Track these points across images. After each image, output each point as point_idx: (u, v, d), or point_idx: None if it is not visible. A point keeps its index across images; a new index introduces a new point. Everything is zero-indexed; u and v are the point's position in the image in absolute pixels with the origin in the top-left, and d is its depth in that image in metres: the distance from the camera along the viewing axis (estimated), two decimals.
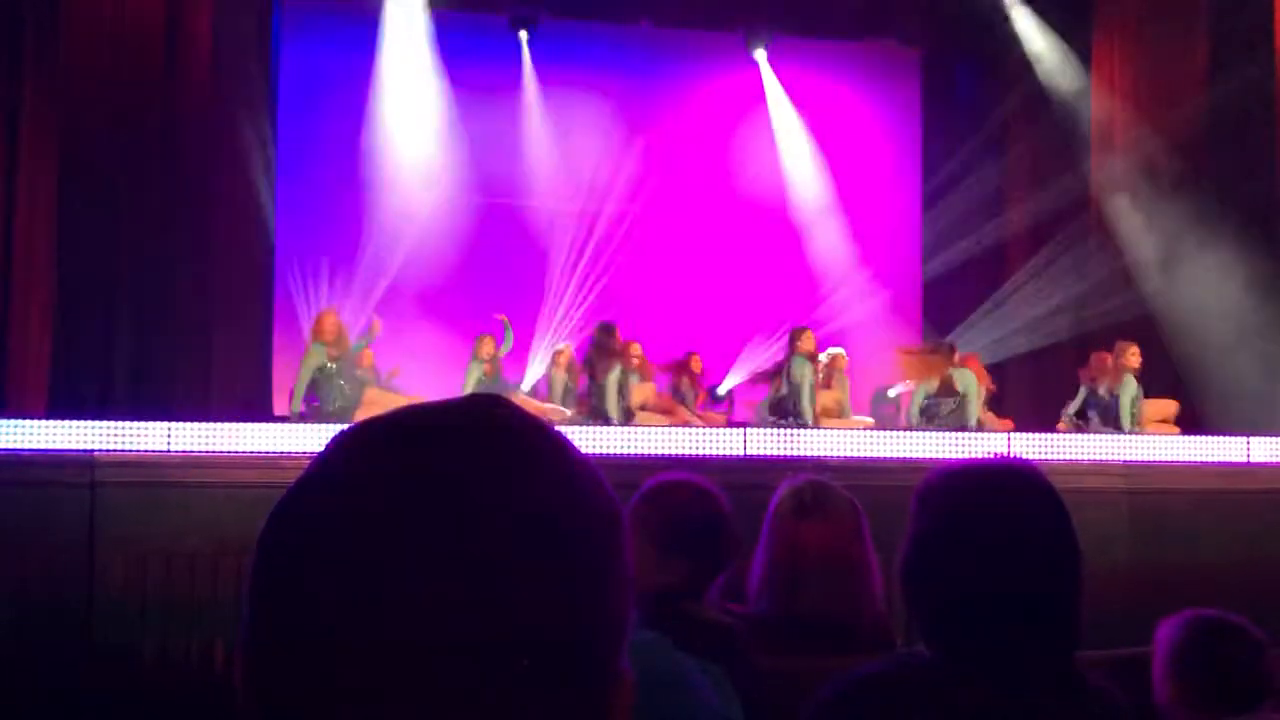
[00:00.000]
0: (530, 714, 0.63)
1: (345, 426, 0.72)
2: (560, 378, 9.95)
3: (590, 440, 7.68)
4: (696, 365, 10.41)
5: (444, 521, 0.63)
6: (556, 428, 0.72)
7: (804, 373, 9.37)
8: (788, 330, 10.16)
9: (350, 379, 8.81)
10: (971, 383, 9.50)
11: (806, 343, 9.52)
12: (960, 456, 1.74)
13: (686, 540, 2.47)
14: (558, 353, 10.16)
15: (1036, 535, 1.57)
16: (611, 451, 7.61)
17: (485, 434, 0.68)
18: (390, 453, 0.67)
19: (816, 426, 9.18)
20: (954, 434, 8.75)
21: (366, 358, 9.50)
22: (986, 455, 1.73)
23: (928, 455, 7.95)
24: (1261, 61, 10.22)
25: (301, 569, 0.64)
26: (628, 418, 9.15)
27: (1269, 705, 2.51)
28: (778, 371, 9.62)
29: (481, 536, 0.63)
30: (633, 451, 7.73)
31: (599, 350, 9.33)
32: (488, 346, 9.67)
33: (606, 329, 9.47)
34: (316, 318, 9.14)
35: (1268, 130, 10.23)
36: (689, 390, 10.29)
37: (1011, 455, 1.80)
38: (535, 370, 12.07)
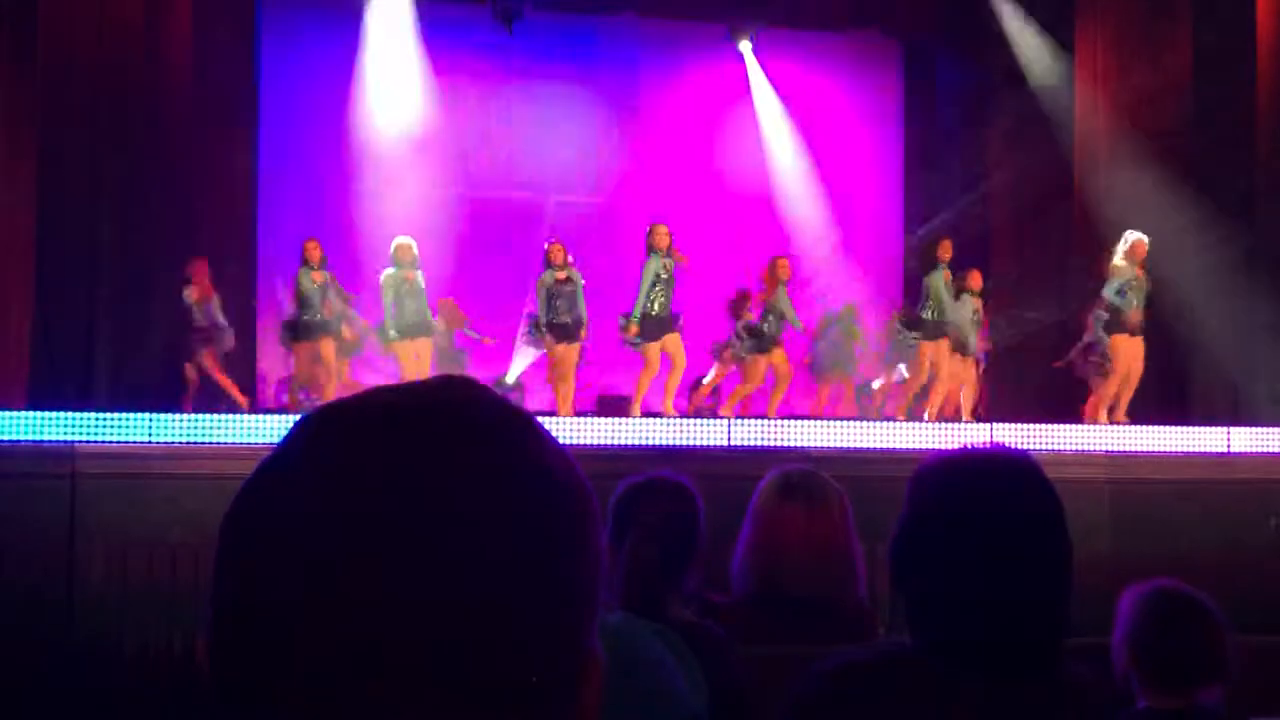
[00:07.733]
0: (501, 698, 0.63)
1: (309, 411, 0.71)
2: None
3: (569, 430, 7.68)
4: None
5: (411, 511, 0.62)
6: (531, 414, 0.72)
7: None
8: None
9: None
10: None
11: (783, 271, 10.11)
12: (954, 446, 1.72)
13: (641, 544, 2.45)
14: None
15: (1027, 525, 1.56)
16: (590, 442, 7.61)
17: (454, 420, 0.67)
18: (356, 440, 0.66)
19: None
20: (941, 424, 8.75)
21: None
22: (983, 444, 1.72)
23: (913, 446, 7.96)
24: (1244, 52, 10.23)
25: (264, 559, 0.63)
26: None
27: (1221, 685, 2.51)
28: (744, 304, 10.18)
29: (450, 525, 0.63)
30: (611, 442, 7.73)
31: None
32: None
33: None
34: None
35: (1249, 120, 10.24)
36: None
37: (1007, 445, 1.76)
38: (519, 363, 12.04)
